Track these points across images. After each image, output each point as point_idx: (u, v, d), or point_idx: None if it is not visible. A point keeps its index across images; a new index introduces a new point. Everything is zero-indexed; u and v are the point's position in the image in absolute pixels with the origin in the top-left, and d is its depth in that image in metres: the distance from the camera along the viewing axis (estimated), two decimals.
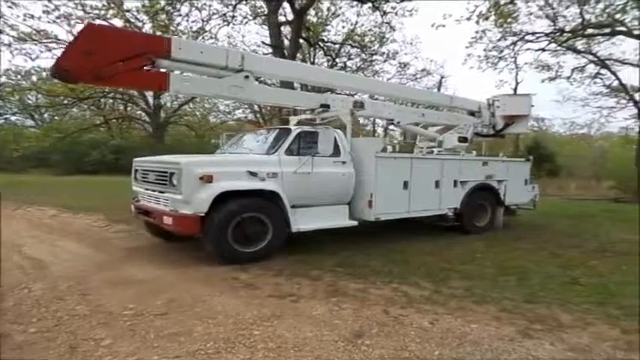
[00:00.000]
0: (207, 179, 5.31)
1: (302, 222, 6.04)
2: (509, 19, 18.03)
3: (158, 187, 5.83)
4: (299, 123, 7.75)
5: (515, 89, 24.55)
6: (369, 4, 18.55)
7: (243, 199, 5.55)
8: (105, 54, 5.10)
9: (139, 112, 33.66)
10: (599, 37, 19.27)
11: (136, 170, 6.53)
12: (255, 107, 32.67)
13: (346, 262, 5.72)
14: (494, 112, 9.69)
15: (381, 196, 6.72)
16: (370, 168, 6.68)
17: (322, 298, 4.22)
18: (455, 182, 7.92)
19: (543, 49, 19.94)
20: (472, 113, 9.76)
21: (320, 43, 20.12)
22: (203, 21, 21.38)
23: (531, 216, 10.02)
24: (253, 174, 5.66)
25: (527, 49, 20.01)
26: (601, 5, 17.76)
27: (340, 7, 20.78)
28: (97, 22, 22.37)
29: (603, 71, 20.94)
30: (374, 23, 22.20)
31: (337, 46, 22.91)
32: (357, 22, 22.31)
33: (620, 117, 31.99)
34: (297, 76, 8.05)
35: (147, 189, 6.13)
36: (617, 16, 17.64)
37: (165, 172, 5.62)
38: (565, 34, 18.66)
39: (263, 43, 17.73)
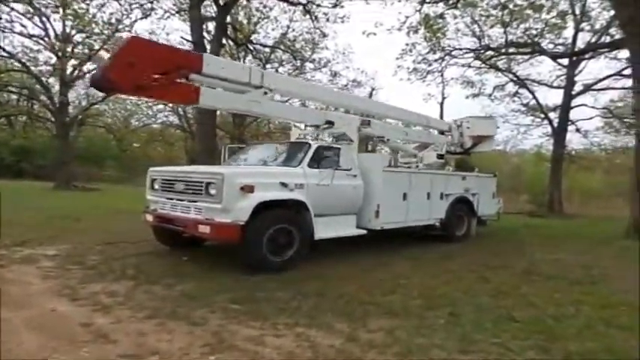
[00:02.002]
0: (249, 189, 5.49)
1: (321, 231, 6.28)
2: (438, 34, 18.23)
3: (188, 196, 5.88)
4: (300, 136, 8.07)
5: (441, 104, 25.12)
6: (301, 8, 17.86)
7: (277, 208, 5.77)
8: (146, 66, 5.31)
9: (43, 110, 30.11)
10: (519, 57, 20.17)
11: (154, 180, 6.56)
12: (180, 111, 30.70)
13: (247, 294, 4.65)
14: (462, 132, 10.57)
15: (386, 206, 7.26)
16: (377, 181, 7.21)
17: (198, 356, 3.10)
18: (441, 195, 8.60)
19: (469, 65, 20.48)
20: (442, 132, 10.55)
21: (249, 44, 18.96)
22: (122, 14, 19.45)
23: None
24: (284, 185, 5.92)
25: (454, 64, 20.41)
26: (522, 27, 18.67)
27: (271, 9, 19.88)
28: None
29: (521, 90, 21.98)
30: (306, 29, 21.62)
31: (268, 49, 21.92)
32: (289, 27, 21.52)
33: (536, 135, 33.92)
34: (308, 94, 8.54)
35: (170, 198, 6.15)
36: (536, 39, 18.56)
37: (200, 182, 5.68)
38: (489, 52, 19.24)
39: (182, 38, 16.23)
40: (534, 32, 18.58)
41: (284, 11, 20.28)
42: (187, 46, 16.19)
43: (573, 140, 23.19)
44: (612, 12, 18.08)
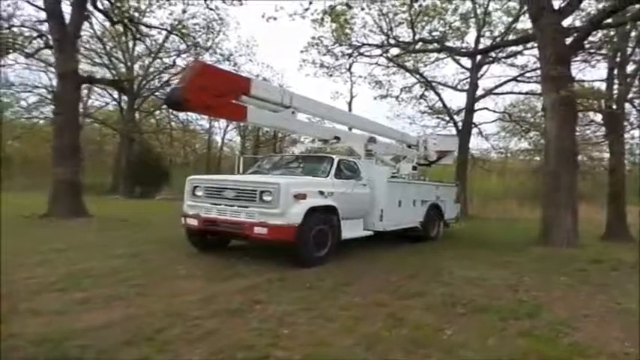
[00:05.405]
0: (302, 196, 6.45)
1: (345, 232, 7.20)
2: (345, 26, 17.03)
3: (239, 202, 6.57)
4: (306, 150, 9.37)
5: (350, 103, 24.26)
6: None
7: (318, 212, 6.63)
8: (213, 89, 6.24)
9: None
10: (425, 58, 19.84)
11: (195, 187, 7.15)
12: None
13: None
14: (427, 146, 11.87)
15: (387, 211, 8.22)
16: (382, 189, 8.22)
17: None
18: (422, 201, 9.73)
19: (377, 64, 19.68)
20: (409, 146, 11.59)
21: (128, 22, 15.85)
22: None
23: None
24: (322, 193, 6.92)
25: (362, 62, 19.48)
26: (428, 29, 18.27)
27: None
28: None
29: (427, 93, 21.78)
30: (203, 15, 19.25)
31: (155, 32, 19.01)
32: (184, 11, 18.89)
33: None
34: (321, 113, 9.30)
35: (217, 204, 6.77)
36: (441, 40, 18.24)
37: (254, 190, 6.47)
38: (397, 50, 18.56)
39: (31, 4, 12.88)
40: (439, 34, 18.32)
41: None
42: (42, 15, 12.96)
43: (473, 143, 23.61)
44: (511, 19, 18.56)
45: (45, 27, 12.96)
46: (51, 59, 18.81)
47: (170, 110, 26.21)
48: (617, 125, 12.61)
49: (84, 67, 23.47)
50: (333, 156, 7.94)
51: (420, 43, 17.82)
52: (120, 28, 17.95)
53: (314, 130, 9.52)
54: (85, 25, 17.01)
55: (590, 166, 24.88)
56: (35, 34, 13.56)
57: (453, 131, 20.40)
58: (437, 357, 3.38)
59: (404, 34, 18.13)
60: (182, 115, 27.68)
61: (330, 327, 3.94)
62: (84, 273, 5.50)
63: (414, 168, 10.37)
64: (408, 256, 7.99)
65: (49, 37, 12.69)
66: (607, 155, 16.53)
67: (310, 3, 14.28)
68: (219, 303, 4.48)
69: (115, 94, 26.64)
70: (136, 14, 16.27)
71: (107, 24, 19.09)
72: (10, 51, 15.02)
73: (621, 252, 9.12)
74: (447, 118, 21.29)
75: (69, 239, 8.11)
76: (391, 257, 7.77)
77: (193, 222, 6.94)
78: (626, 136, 13.27)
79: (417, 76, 20.58)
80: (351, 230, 7.44)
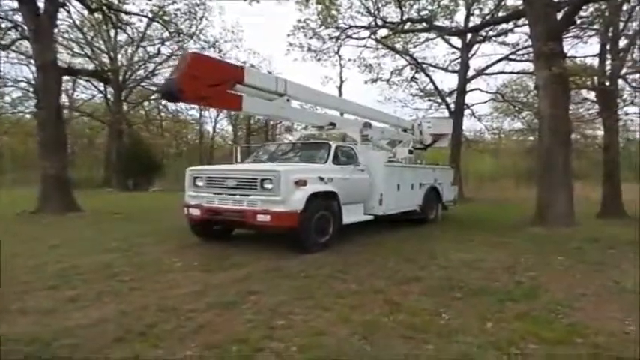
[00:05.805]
0: (302, 183, 6.45)
1: (346, 217, 7.29)
2: (332, 10, 16.70)
3: (240, 191, 6.58)
4: (301, 137, 9.58)
5: (340, 87, 23.99)
6: None
7: (319, 198, 6.63)
8: (206, 79, 6.18)
9: None
10: (415, 39, 19.55)
11: (196, 178, 7.16)
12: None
13: None
14: (422, 130, 11.93)
15: (387, 195, 8.30)
16: (380, 174, 8.29)
17: None
18: (420, 185, 9.85)
19: (365, 46, 19.39)
20: (405, 130, 11.58)
21: (106, 9, 15.29)
22: None
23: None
24: (322, 179, 6.90)
25: (350, 43, 19.18)
26: (415, 8, 17.95)
27: None
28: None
29: (418, 75, 21.54)
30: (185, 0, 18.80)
31: (136, 19, 18.48)
32: None
33: None
34: (316, 100, 9.31)
35: (218, 193, 6.80)
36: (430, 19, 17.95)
37: (254, 179, 6.47)
38: (385, 31, 18.27)
39: None
40: (428, 13, 18.02)
41: None
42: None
43: (466, 125, 23.49)
44: None
45: (20, 17, 12.57)
46: (31, 51, 18.36)
47: (159, 100, 25.86)
48: (611, 102, 12.51)
49: (65, 58, 23.00)
50: (331, 142, 7.95)
51: (409, 23, 17.49)
52: (99, 16, 17.47)
53: (309, 117, 9.53)
54: (63, 13, 16.54)
55: (584, 144, 24.93)
56: (10, 24, 13.13)
57: (446, 113, 20.28)
58: (435, 342, 3.32)
59: (392, 14, 17.86)
60: (171, 105, 27.30)
61: (327, 316, 3.87)
62: (75, 269, 5.39)
63: (411, 152, 10.38)
64: (406, 239, 7.98)
65: (25, 27, 12.29)
66: (601, 133, 16.54)
67: None
68: (213, 295, 4.40)
69: (101, 86, 26.13)
70: (115, 1, 15.75)
71: (86, 12, 18.57)
72: None
73: (617, 229, 9.14)
74: (439, 100, 21.12)
75: (61, 235, 7.97)
76: (389, 241, 7.73)
77: (196, 212, 6.96)
78: (619, 112, 13.12)
79: (407, 58, 20.35)
80: (351, 215, 7.49)
